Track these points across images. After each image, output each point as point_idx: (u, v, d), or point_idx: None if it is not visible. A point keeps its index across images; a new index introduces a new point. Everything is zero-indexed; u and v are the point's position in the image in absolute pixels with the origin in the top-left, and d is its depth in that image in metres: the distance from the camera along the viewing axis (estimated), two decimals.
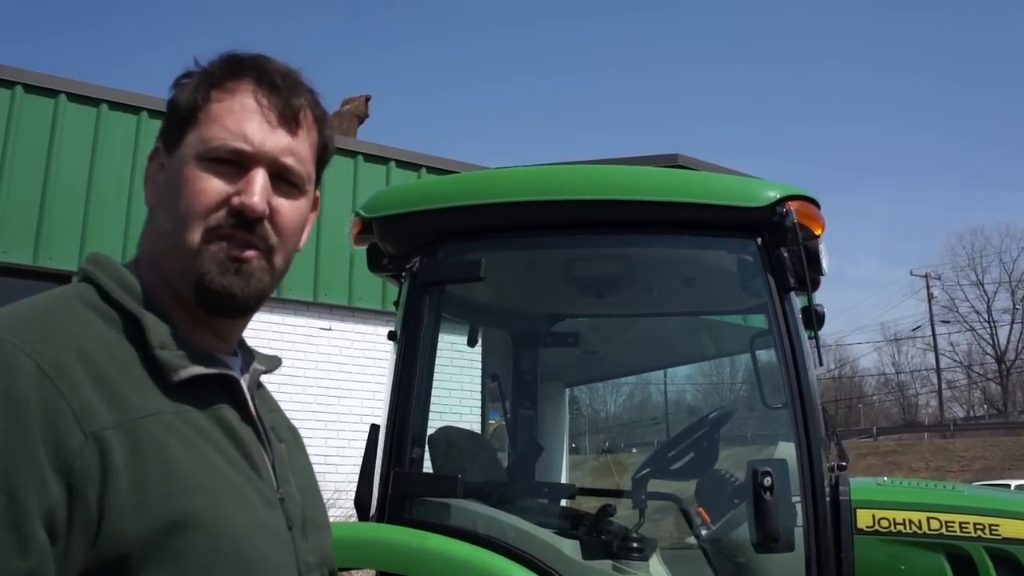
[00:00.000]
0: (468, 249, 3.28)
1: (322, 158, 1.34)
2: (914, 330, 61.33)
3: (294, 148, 1.25)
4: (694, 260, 3.59)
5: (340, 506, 8.68)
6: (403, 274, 3.40)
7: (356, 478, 3.26)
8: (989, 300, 61.18)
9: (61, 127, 9.36)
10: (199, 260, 1.20)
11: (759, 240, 3.06)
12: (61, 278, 9.12)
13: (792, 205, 3.01)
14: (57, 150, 9.27)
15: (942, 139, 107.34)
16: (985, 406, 60.36)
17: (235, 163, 1.22)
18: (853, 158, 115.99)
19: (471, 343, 4.34)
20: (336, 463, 9.94)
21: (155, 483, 1.05)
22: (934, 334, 58.07)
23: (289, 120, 1.25)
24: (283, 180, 1.25)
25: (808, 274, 3.01)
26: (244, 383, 1.28)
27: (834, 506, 2.99)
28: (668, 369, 5.74)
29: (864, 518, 3.05)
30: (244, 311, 1.26)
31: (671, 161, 11.50)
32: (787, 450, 3.09)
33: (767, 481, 2.72)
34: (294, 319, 10.40)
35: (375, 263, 3.51)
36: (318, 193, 1.39)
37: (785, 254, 2.99)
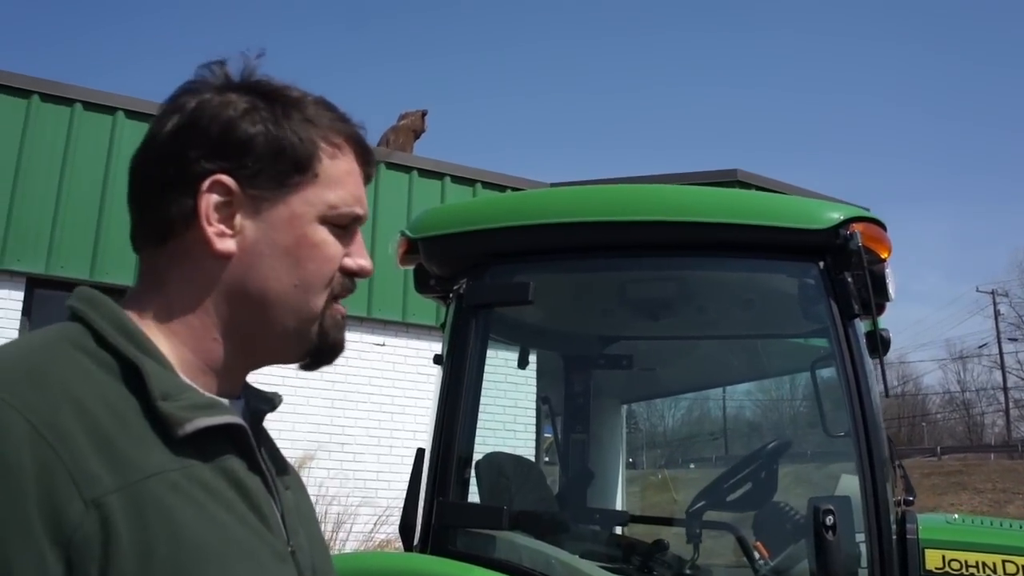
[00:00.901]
0: (517, 271, 3.18)
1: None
2: (980, 347, 59.93)
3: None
4: (753, 283, 3.45)
5: (392, 522, 8.62)
6: (450, 296, 3.30)
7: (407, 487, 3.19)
8: None
9: (119, 143, 9.44)
10: (323, 322, 1.21)
11: (821, 264, 2.91)
12: (116, 293, 9.20)
13: (856, 227, 2.86)
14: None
15: (1009, 152, 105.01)
16: None
17: (353, 228, 1.23)
18: (917, 171, 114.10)
19: (521, 365, 4.24)
20: (388, 479, 9.89)
21: (161, 554, 0.96)
22: (1001, 352, 56.69)
23: (369, 181, 1.28)
24: None
25: (873, 299, 2.86)
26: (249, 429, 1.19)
27: (900, 545, 2.83)
28: (729, 389, 5.60)
29: (933, 559, 2.88)
30: None
31: (730, 177, 11.29)
32: (850, 483, 2.94)
33: (829, 520, 2.56)
34: (348, 335, 10.30)
35: (422, 284, 3.43)
36: None
37: (849, 279, 2.84)
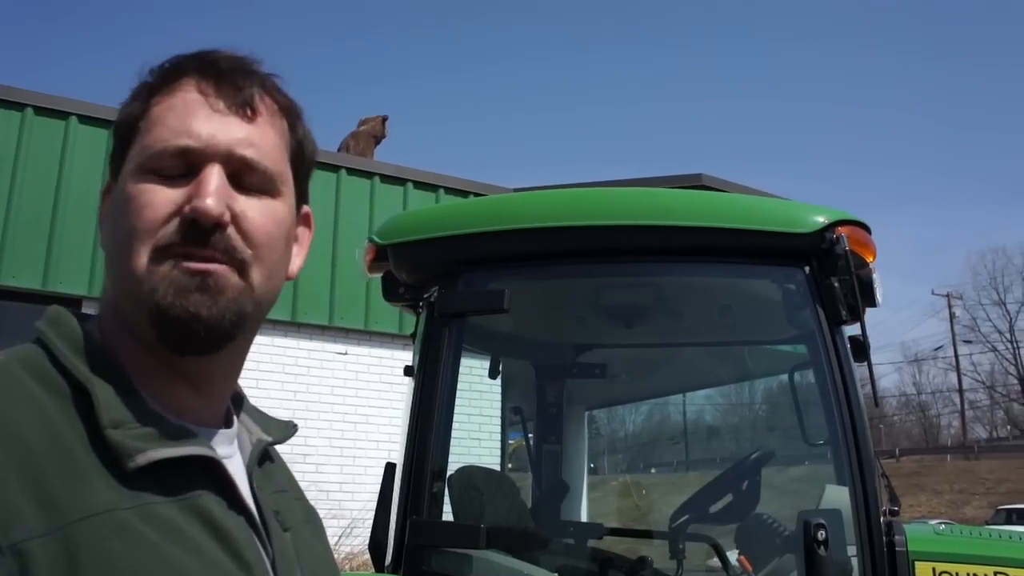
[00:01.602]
0: (490, 278, 3.05)
1: (297, 157, 1.11)
2: (936, 350, 60.76)
3: (253, 139, 1.02)
4: (736, 289, 3.35)
5: (357, 535, 8.45)
6: (420, 304, 3.17)
7: (374, 506, 3.04)
8: (1011, 319, 60.61)
9: (72, 149, 9.21)
10: (150, 284, 0.96)
11: (807, 269, 2.82)
12: (70, 302, 8.95)
13: (843, 231, 2.77)
14: (67, 173, 9.12)
15: (962, 158, 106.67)
16: (1008, 427, 59.71)
17: (183, 168, 0.99)
18: (872, 178, 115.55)
19: (492, 375, 4.11)
20: (352, 491, 9.71)
21: None
22: (956, 354, 57.53)
23: (242, 106, 1.03)
24: (245, 178, 1.02)
25: (861, 305, 2.77)
26: (233, 463, 1.04)
27: (890, 558, 2.74)
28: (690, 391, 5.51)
29: (923, 571, 2.79)
30: (219, 339, 0.99)
31: (695, 181, 11.23)
32: (836, 494, 2.86)
33: (821, 535, 2.46)
34: (309, 343, 10.19)
35: (390, 292, 3.28)
36: (307, 209, 1.16)
37: (836, 284, 2.75)
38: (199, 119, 1.00)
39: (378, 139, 13.37)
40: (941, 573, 2.81)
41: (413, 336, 3.27)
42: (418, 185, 11.36)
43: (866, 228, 2.91)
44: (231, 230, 0.98)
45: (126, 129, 1.03)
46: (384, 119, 13.59)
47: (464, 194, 11.25)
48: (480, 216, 3.21)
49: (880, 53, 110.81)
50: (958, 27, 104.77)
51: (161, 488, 0.91)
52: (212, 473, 0.98)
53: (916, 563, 2.80)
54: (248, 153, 1.01)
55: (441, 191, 11.48)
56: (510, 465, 5.15)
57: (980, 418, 63.00)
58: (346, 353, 10.45)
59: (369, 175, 11.13)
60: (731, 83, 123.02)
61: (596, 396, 4.86)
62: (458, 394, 3.06)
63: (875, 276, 2.86)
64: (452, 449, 3.10)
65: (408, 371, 3.19)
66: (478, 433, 9.30)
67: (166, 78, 1.04)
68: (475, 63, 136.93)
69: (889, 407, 65.87)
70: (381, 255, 3.15)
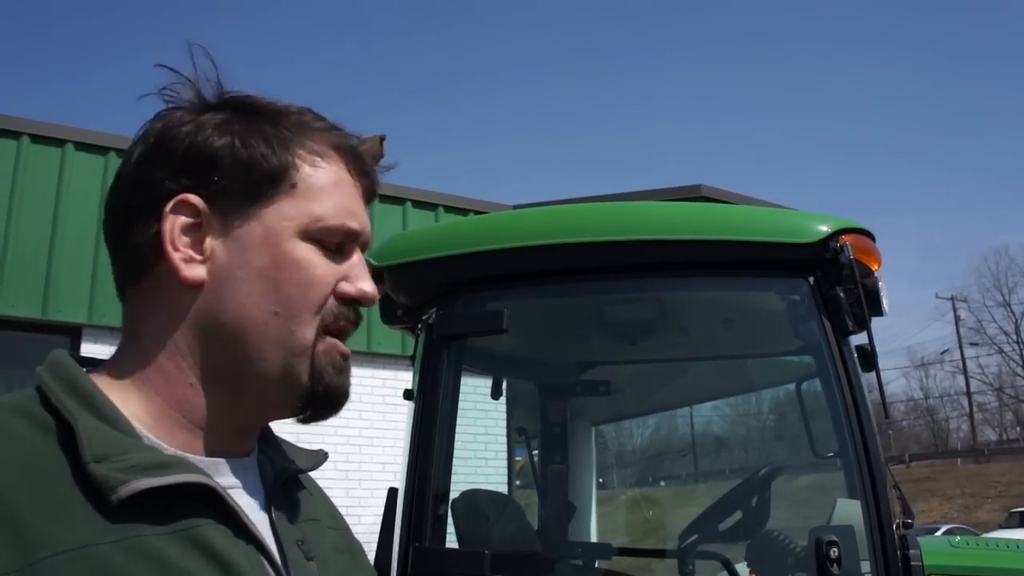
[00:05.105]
0: (489, 298, 3.00)
1: None
2: (942, 353, 60.62)
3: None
4: (739, 302, 3.30)
5: None
6: (419, 326, 3.11)
7: (379, 530, 2.99)
8: (1017, 320, 60.48)
9: (69, 177, 9.19)
10: (315, 361, 1.02)
11: (811, 279, 2.76)
12: (70, 331, 8.90)
13: (847, 239, 2.71)
14: (65, 201, 9.09)
15: (963, 160, 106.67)
16: (1018, 428, 59.49)
17: (337, 244, 1.05)
18: (873, 182, 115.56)
19: (495, 396, 4.06)
20: (358, 513, 9.60)
21: None
22: (963, 357, 57.37)
23: (370, 196, 1.12)
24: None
25: (867, 314, 2.71)
26: (245, 492, 1.02)
27: (906, 573, 2.68)
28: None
29: None
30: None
31: (694, 193, 11.18)
32: (847, 508, 2.80)
33: (833, 553, 2.40)
34: None
35: (388, 315, 3.23)
36: None
37: (841, 294, 2.70)
38: (356, 202, 1.08)
39: (376, 159, 13.33)
40: None
41: (412, 358, 3.21)
42: (417, 204, 11.31)
43: (870, 236, 2.86)
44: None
45: (265, 172, 1.02)
46: (382, 138, 13.40)
47: (464, 212, 11.19)
48: (477, 236, 3.15)
49: (876, 53, 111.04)
50: (956, 27, 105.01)
51: (152, 519, 0.88)
52: (213, 501, 0.94)
53: None
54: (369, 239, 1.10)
55: (440, 209, 11.44)
56: (517, 483, 5.09)
57: (989, 420, 62.84)
58: None
59: None
60: (727, 87, 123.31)
61: (602, 412, 4.80)
62: (462, 414, 3.01)
63: (880, 284, 2.80)
64: (457, 470, 3.04)
65: (408, 395, 3.13)
66: (484, 452, 9.29)
67: (312, 140, 1.06)
68: (468, 73, 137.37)
69: (897, 412, 65.66)
70: (377, 277, 3.10)
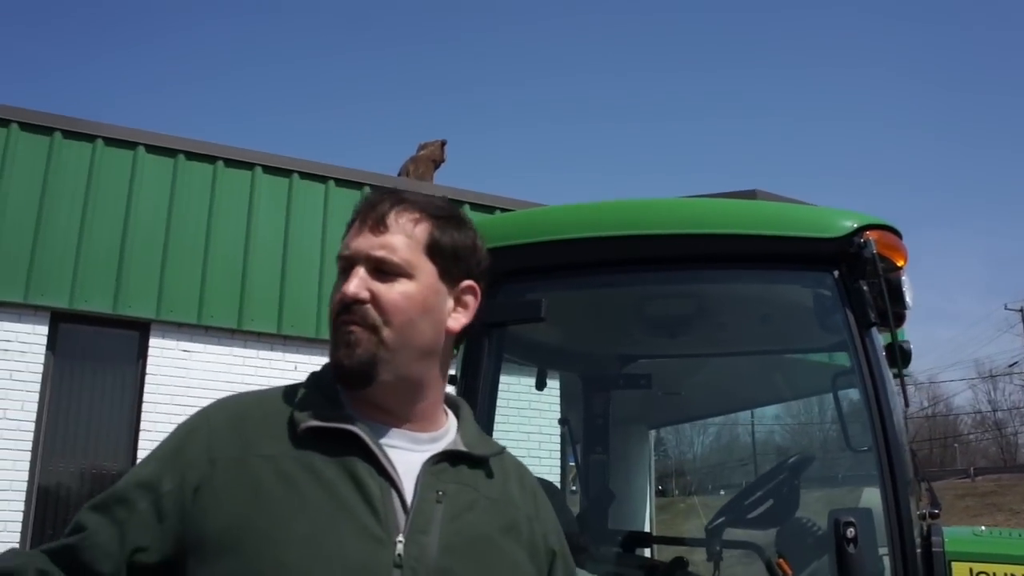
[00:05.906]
0: (530, 288, 3.15)
1: (433, 248, 1.51)
2: (1011, 366, 59.12)
3: (385, 243, 1.47)
4: (767, 296, 3.39)
5: None
6: None
7: None
8: None
9: (140, 178, 9.52)
10: (333, 346, 1.49)
11: (836, 273, 2.86)
12: (139, 326, 9.22)
13: (871, 235, 2.80)
14: (136, 201, 9.42)
15: None
16: None
17: (346, 268, 1.49)
18: (944, 192, 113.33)
19: (539, 386, 4.19)
20: None
21: (235, 497, 1.36)
22: None
23: (377, 223, 1.48)
24: (380, 271, 1.46)
25: (891, 308, 2.80)
26: (401, 451, 1.45)
27: (926, 558, 2.76)
28: (755, 409, 5.51)
29: (960, 572, 2.81)
30: (359, 377, 1.44)
31: (749, 197, 11.15)
32: (872, 497, 2.88)
33: (850, 532, 2.49)
34: None
35: None
36: (471, 283, 1.58)
37: (864, 287, 2.79)
38: (352, 237, 1.50)
39: (437, 163, 13.47)
40: (979, 573, 2.82)
41: (455, 346, 3.36)
42: (475, 206, 11.44)
43: (896, 232, 2.93)
44: (368, 305, 1.44)
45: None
46: (443, 143, 13.70)
47: (490, 209, 11.25)
48: (519, 228, 3.30)
49: (948, 76, 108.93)
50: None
51: (323, 448, 1.40)
52: (364, 447, 1.41)
53: (953, 563, 2.81)
54: (380, 253, 1.46)
55: (497, 211, 11.58)
56: (573, 488, 5.21)
57: None
58: None
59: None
60: (789, 102, 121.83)
61: (653, 411, 4.90)
62: (517, 412, 3.14)
63: (904, 279, 2.89)
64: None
65: (452, 380, 3.29)
66: (538, 451, 9.39)
67: (352, 218, 1.54)
68: (520, 76, 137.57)
69: (964, 425, 64.23)
70: None
